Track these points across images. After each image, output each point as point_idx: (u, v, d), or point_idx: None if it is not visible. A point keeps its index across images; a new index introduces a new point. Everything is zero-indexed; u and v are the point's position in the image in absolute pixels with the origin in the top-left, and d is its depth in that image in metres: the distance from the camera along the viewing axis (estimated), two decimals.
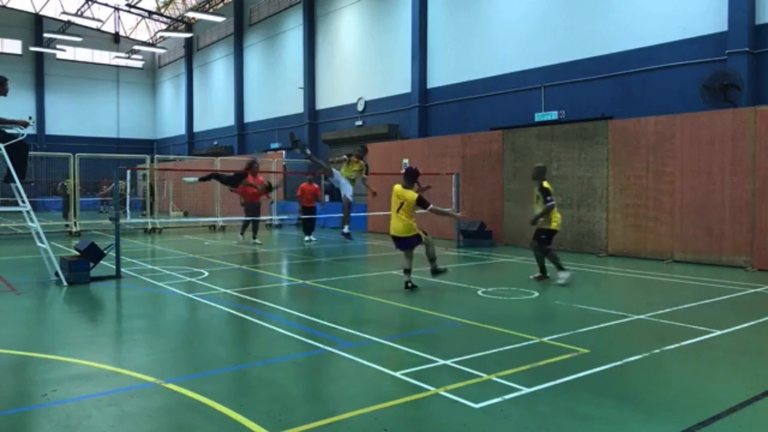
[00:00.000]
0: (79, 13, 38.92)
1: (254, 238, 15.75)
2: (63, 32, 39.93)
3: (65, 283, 9.21)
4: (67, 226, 19.35)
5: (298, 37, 29.14)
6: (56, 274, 9.50)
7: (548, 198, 9.50)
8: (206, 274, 10.58)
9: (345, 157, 11.99)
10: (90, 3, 39.47)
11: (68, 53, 42.71)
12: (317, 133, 27.77)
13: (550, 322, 6.98)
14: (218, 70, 38.13)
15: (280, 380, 4.96)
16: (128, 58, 45.72)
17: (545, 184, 9.69)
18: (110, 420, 4.06)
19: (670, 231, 12.05)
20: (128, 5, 38.81)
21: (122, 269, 10.25)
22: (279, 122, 30.78)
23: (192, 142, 41.83)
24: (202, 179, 15.40)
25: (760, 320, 6.95)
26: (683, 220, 11.87)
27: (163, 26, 42.00)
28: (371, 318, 7.37)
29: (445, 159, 16.87)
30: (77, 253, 9.93)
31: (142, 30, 46.46)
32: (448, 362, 5.25)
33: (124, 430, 3.92)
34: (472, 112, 19.91)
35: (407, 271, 8.90)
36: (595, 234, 13.25)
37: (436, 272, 9.12)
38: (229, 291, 8.89)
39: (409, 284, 8.84)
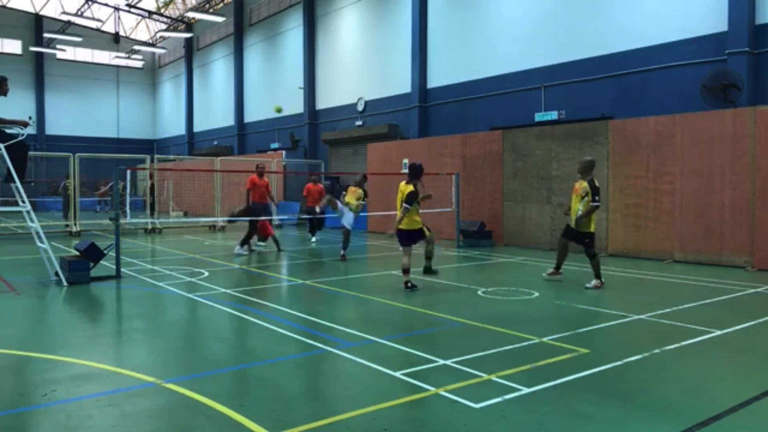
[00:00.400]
0: (79, 13, 38.91)
1: (259, 240, 15.74)
2: (63, 32, 39.93)
3: (65, 283, 9.21)
4: (66, 226, 19.35)
5: (298, 37, 29.14)
6: (56, 274, 9.51)
7: (596, 198, 8.93)
8: (206, 274, 10.58)
9: (343, 193, 13.42)
10: (90, 3, 39.47)
11: (68, 53, 42.71)
12: (317, 133, 27.77)
13: (550, 322, 6.98)
14: (218, 70, 38.12)
15: (280, 380, 4.96)
16: (128, 58, 45.72)
17: (596, 181, 9.15)
18: (110, 420, 4.06)
19: (670, 231, 12.06)
20: (128, 5, 38.80)
21: (122, 269, 10.25)
22: (279, 122, 30.77)
23: (192, 142, 41.82)
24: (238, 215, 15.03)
25: (760, 320, 6.95)
26: (683, 220, 11.87)
27: (163, 26, 42.00)
28: (371, 318, 7.37)
29: (445, 159, 16.87)
30: (77, 253, 9.93)
31: (142, 30, 46.47)
32: (448, 362, 5.25)
33: (124, 430, 3.92)
34: (472, 112, 19.91)
35: (406, 271, 8.91)
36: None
37: (428, 271, 9.18)
38: (229, 291, 8.89)
39: (409, 284, 8.85)
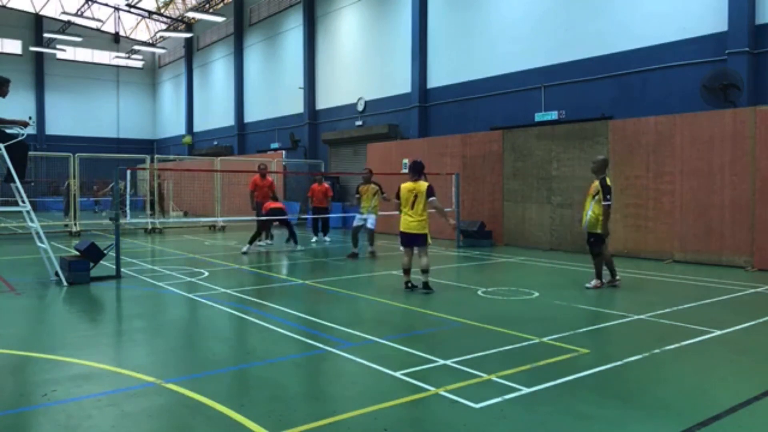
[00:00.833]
0: (79, 13, 38.90)
1: (267, 237, 15.78)
2: (63, 32, 39.92)
3: (65, 283, 9.22)
4: (66, 226, 19.35)
5: (298, 37, 29.14)
6: (56, 274, 9.51)
7: (608, 197, 8.79)
8: (206, 274, 10.58)
9: (357, 195, 13.45)
10: (90, 3, 39.47)
11: (68, 53, 42.70)
12: (317, 133, 27.77)
13: (550, 322, 6.98)
14: (218, 70, 38.12)
15: (280, 380, 4.96)
16: (128, 58, 45.72)
17: (609, 180, 9.01)
18: (110, 420, 4.07)
19: (670, 231, 12.06)
20: (128, 5, 38.80)
21: (122, 269, 10.25)
22: (279, 122, 30.78)
23: (192, 142, 41.81)
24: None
25: (760, 320, 6.95)
26: (683, 220, 11.87)
27: (163, 26, 41.99)
28: (371, 318, 7.37)
29: (445, 159, 16.87)
30: (77, 253, 9.94)
31: (142, 30, 46.47)
32: (448, 362, 5.25)
33: (124, 430, 3.92)
34: (472, 112, 19.90)
35: (407, 272, 8.90)
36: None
37: (427, 287, 8.74)
38: (229, 291, 8.89)
39: (409, 284, 8.85)
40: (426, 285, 8.72)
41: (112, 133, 46.34)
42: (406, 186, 8.85)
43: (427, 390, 4.59)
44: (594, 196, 8.97)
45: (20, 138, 9.30)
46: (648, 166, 12.39)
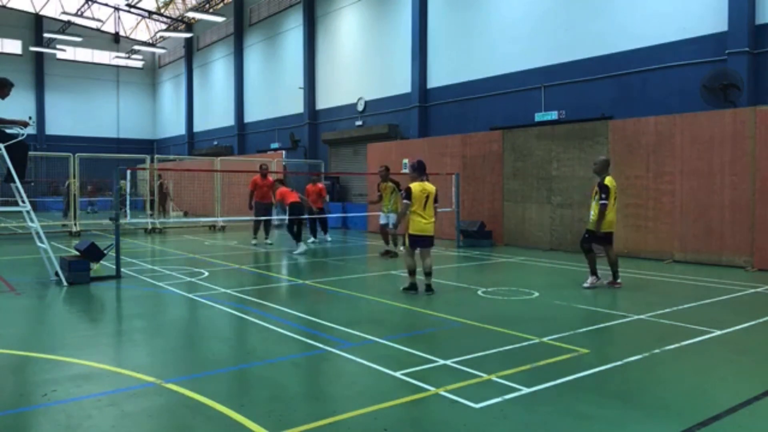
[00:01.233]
0: (79, 13, 38.91)
1: (266, 238, 15.80)
2: (63, 32, 39.92)
3: (65, 283, 9.22)
4: (64, 226, 19.35)
5: (298, 37, 29.14)
6: (56, 274, 9.51)
7: (603, 196, 8.87)
8: (206, 274, 10.58)
9: (378, 193, 13.34)
10: (90, 3, 39.47)
11: (68, 53, 42.70)
12: (317, 133, 27.77)
13: (550, 322, 6.98)
14: (218, 70, 38.12)
15: (280, 380, 4.96)
16: (128, 58, 45.72)
17: (606, 180, 9.03)
18: (110, 420, 4.07)
19: (670, 231, 12.06)
20: (128, 5, 38.80)
21: (122, 269, 10.25)
22: (279, 122, 30.78)
23: (192, 142, 41.82)
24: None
25: (760, 320, 6.95)
26: (683, 220, 11.87)
27: (163, 26, 41.99)
28: (371, 318, 7.36)
29: (445, 159, 16.87)
30: (77, 253, 9.94)
31: (142, 30, 46.47)
32: (448, 362, 5.25)
33: (124, 430, 3.92)
34: (472, 112, 19.90)
35: (414, 273, 8.75)
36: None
37: (430, 288, 8.61)
38: (229, 291, 8.89)
39: (415, 287, 8.67)
40: (430, 287, 8.63)
41: (112, 133, 46.34)
42: (417, 186, 8.59)
43: (427, 390, 4.59)
44: (595, 196, 9.06)
45: (20, 138, 9.30)
46: (648, 166, 12.39)
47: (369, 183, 19.92)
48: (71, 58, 44.22)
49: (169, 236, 18.48)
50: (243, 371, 5.27)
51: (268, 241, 15.69)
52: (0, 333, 6.48)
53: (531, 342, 5.96)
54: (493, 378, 4.84)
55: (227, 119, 36.27)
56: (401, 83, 22.68)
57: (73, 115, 44.06)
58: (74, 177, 18.81)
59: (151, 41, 44.81)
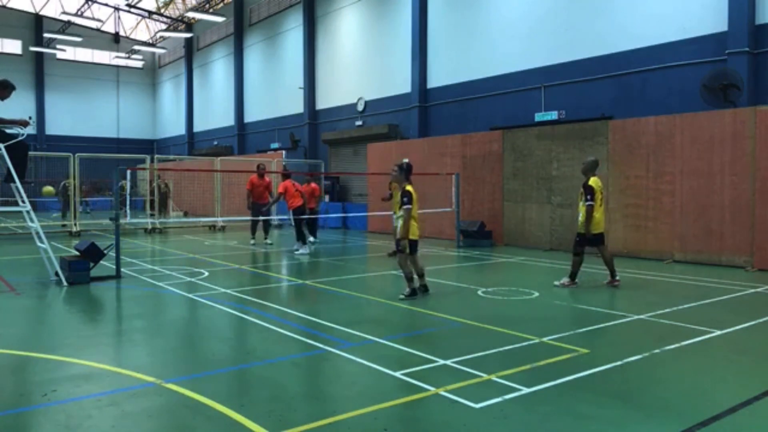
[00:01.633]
0: (79, 13, 38.90)
1: (266, 238, 15.77)
2: (63, 32, 39.92)
3: (65, 283, 9.22)
4: (64, 226, 19.34)
5: (298, 37, 29.14)
6: (56, 274, 9.51)
7: (588, 197, 8.88)
8: (206, 274, 10.58)
9: (389, 192, 12.81)
10: (90, 3, 39.46)
11: (68, 53, 42.70)
12: (317, 133, 27.77)
13: (550, 322, 6.98)
14: (218, 70, 38.12)
15: (280, 380, 4.96)
16: (128, 58, 45.71)
17: (591, 181, 9.01)
18: (110, 420, 4.07)
19: (670, 231, 12.06)
20: (128, 5, 38.80)
21: (122, 269, 10.25)
22: (279, 122, 30.78)
23: (192, 142, 41.82)
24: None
25: (760, 320, 6.95)
26: (683, 220, 11.87)
27: (163, 26, 41.99)
28: (371, 318, 7.37)
29: (445, 159, 16.87)
30: (77, 253, 9.93)
31: (142, 30, 46.47)
32: (448, 362, 5.25)
33: (124, 430, 3.92)
34: (472, 112, 19.90)
35: (413, 279, 8.43)
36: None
37: (427, 288, 8.54)
38: (229, 291, 8.89)
39: (416, 291, 8.40)
40: (426, 287, 8.60)
41: (112, 133, 46.34)
42: (412, 189, 8.38)
43: (427, 390, 4.59)
44: (581, 198, 9.10)
45: (20, 138, 9.30)
46: (648, 166, 12.39)
47: (369, 183, 19.92)
48: (71, 58, 44.21)
49: (169, 236, 18.48)
50: (243, 371, 5.27)
51: (268, 241, 15.69)
52: (0, 333, 6.49)
53: (531, 342, 5.96)
54: (493, 378, 4.84)
55: (227, 119, 36.27)
56: (401, 83, 22.68)
57: (73, 115, 44.05)
58: (74, 177, 18.79)
59: (151, 41, 44.81)
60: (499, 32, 19.12)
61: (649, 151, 12.38)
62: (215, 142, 37.41)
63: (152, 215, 21.02)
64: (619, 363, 5.27)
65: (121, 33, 45.84)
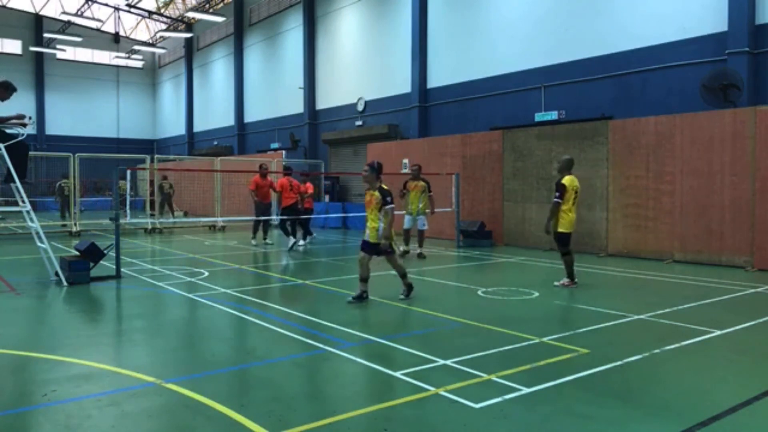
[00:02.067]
0: (79, 13, 38.91)
1: (265, 238, 15.75)
2: (63, 32, 39.93)
3: (65, 283, 9.21)
4: (64, 226, 19.33)
5: (298, 37, 29.14)
6: (56, 274, 9.50)
7: (557, 195, 8.91)
8: (206, 274, 10.58)
9: (404, 191, 12.81)
10: (90, 3, 39.47)
11: (68, 53, 42.71)
12: (317, 133, 27.78)
13: (550, 322, 6.98)
14: (218, 70, 38.13)
15: (280, 380, 4.96)
16: (128, 58, 45.73)
17: (565, 179, 8.99)
18: (110, 420, 4.07)
19: (670, 231, 12.05)
20: (128, 5, 38.81)
21: (122, 269, 10.25)
22: (279, 122, 30.79)
23: (192, 142, 41.83)
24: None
25: (760, 320, 6.95)
26: (683, 220, 11.87)
27: (163, 26, 42.00)
28: (371, 318, 7.37)
29: (445, 159, 16.87)
30: (77, 253, 9.93)
31: (142, 30, 46.48)
32: (448, 362, 5.25)
33: (124, 430, 3.92)
34: (472, 112, 19.91)
35: (406, 276, 8.31)
36: (595, 234, 13.25)
37: (411, 287, 8.26)
38: (229, 291, 8.89)
39: (362, 295, 8.00)
40: (411, 286, 8.29)
41: (112, 133, 46.36)
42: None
43: (427, 390, 4.59)
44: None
45: (20, 138, 9.30)
46: (648, 166, 12.39)
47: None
48: (71, 58, 44.23)
49: (169, 236, 18.48)
50: (243, 371, 5.27)
51: (268, 242, 15.68)
52: (0, 333, 6.49)
53: (531, 342, 5.95)
54: (493, 378, 4.84)
55: (227, 119, 36.28)
56: (401, 83, 22.68)
57: (73, 115, 44.07)
58: (74, 177, 18.77)
59: (151, 41, 44.81)
60: (499, 32, 19.12)
61: (649, 151, 12.38)
62: (215, 142, 37.41)
63: (152, 215, 21.02)
64: (619, 363, 5.27)
65: (121, 33, 45.85)
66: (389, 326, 6.91)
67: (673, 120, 12.10)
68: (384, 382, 4.84)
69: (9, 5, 41.83)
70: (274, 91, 31.68)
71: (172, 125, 45.31)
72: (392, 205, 7.98)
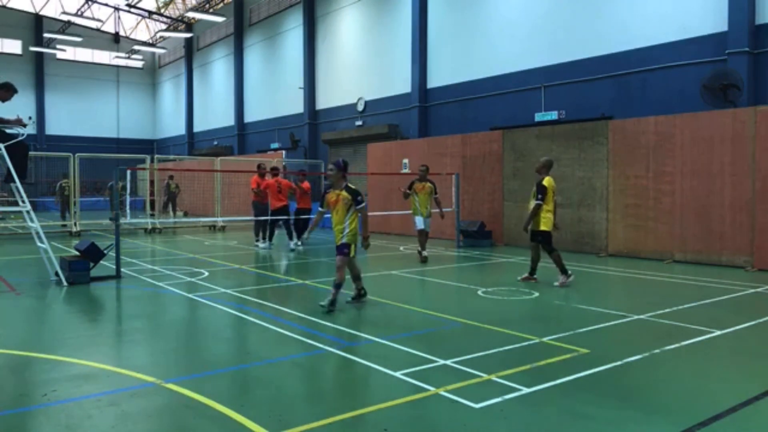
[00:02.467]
0: (79, 13, 38.92)
1: (271, 239, 15.57)
2: (63, 32, 39.94)
3: (65, 283, 9.21)
4: (64, 226, 19.34)
5: (298, 37, 29.15)
6: (56, 274, 9.50)
7: (539, 196, 9.14)
8: (206, 274, 10.58)
9: (408, 191, 12.56)
10: (90, 3, 39.47)
11: (68, 53, 42.72)
12: (317, 133, 27.78)
13: (550, 322, 6.98)
14: (218, 70, 38.13)
15: (280, 380, 4.96)
16: (128, 58, 45.73)
17: (545, 180, 9.26)
18: (110, 420, 4.06)
19: (670, 231, 12.05)
20: (128, 5, 38.81)
21: (122, 269, 10.25)
22: (279, 122, 30.79)
23: (192, 142, 41.83)
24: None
25: (760, 320, 6.95)
26: (683, 220, 11.87)
27: (163, 26, 42.01)
28: (371, 318, 7.36)
29: (445, 159, 16.87)
30: (77, 253, 9.93)
31: (142, 30, 46.49)
32: (448, 362, 5.25)
33: (124, 430, 3.92)
34: (472, 112, 19.91)
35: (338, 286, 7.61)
36: (595, 234, 13.25)
37: (363, 293, 8.00)
38: (229, 291, 8.89)
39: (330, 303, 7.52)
40: (363, 291, 8.01)
41: (112, 133, 46.36)
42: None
43: (427, 390, 4.59)
44: (534, 196, 9.31)
45: (20, 138, 9.30)
46: (648, 166, 12.39)
47: (369, 183, 19.92)
48: (71, 58, 44.24)
49: (169, 236, 18.48)
50: (243, 371, 5.27)
51: (271, 242, 15.64)
52: (0, 333, 6.49)
53: (531, 342, 5.95)
54: (493, 378, 4.84)
55: (227, 119, 36.28)
56: (401, 83, 22.69)
57: (73, 115, 44.08)
58: (74, 177, 18.77)
59: (151, 41, 44.82)
60: (499, 32, 19.12)
61: (649, 151, 12.38)
62: (215, 142, 37.42)
63: (152, 215, 21.01)
64: (619, 363, 5.27)
65: (121, 33, 45.86)
66: (389, 326, 6.90)
67: (673, 120, 12.10)
68: (384, 382, 4.84)
69: (9, 5, 41.84)
70: (274, 91, 31.69)
71: (172, 125, 45.32)
72: (364, 204, 7.69)
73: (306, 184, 15.31)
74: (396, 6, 23.26)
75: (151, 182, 22.75)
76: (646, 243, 12.41)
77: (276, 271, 11.79)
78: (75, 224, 18.69)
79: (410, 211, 12.86)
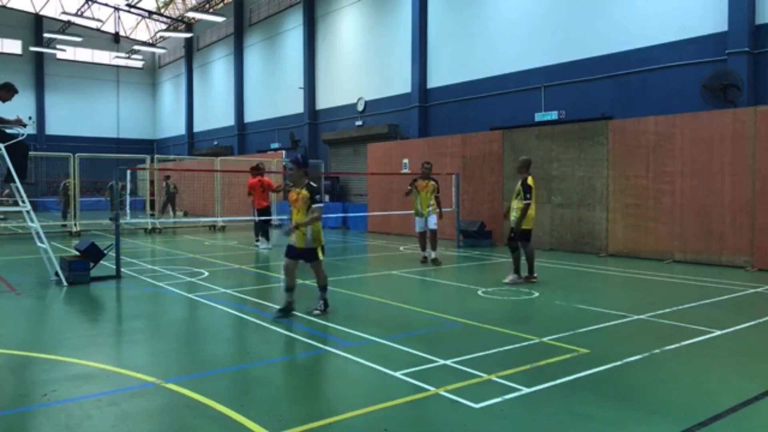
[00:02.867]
0: (79, 13, 38.91)
1: (267, 239, 15.62)
2: (63, 32, 39.93)
3: (65, 283, 9.21)
4: (64, 226, 19.34)
5: (298, 37, 29.14)
6: (56, 274, 9.50)
7: (527, 196, 9.30)
8: (206, 274, 10.58)
9: (409, 188, 12.32)
10: (90, 3, 39.47)
11: (68, 53, 42.71)
12: (317, 133, 27.78)
13: (550, 322, 6.98)
14: (218, 70, 38.13)
15: (280, 380, 4.96)
16: (128, 58, 45.73)
17: (529, 180, 9.45)
18: (110, 420, 4.06)
19: (670, 231, 12.05)
20: (128, 5, 38.80)
21: (122, 269, 10.25)
22: (279, 122, 30.79)
23: (192, 142, 41.83)
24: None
25: (760, 320, 6.95)
26: (683, 220, 11.87)
27: (163, 26, 42.00)
28: (371, 318, 7.36)
29: (445, 159, 16.86)
30: (77, 253, 9.93)
31: (142, 30, 46.48)
32: (448, 362, 5.25)
33: (124, 430, 3.92)
34: (472, 112, 19.91)
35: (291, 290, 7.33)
36: (595, 234, 13.25)
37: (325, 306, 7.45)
38: (229, 291, 8.89)
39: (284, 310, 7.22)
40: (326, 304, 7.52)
41: (112, 133, 46.35)
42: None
43: (427, 390, 4.59)
44: (518, 195, 9.46)
45: (20, 138, 9.30)
46: (648, 166, 12.39)
47: (369, 183, 19.93)
48: (71, 58, 44.22)
49: (169, 236, 18.48)
50: (243, 371, 5.27)
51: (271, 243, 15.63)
52: (0, 333, 6.49)
53: (531, 342, 5.95)
54: (493, 378, 4.84)
55: (227, 119, 36.28)
56: (401, 83, 22.68)
57: (73, 115, 44.06)
58: (74, 177, 18.77)
59: (151, 41, 44.81)
60: (499, 32, 19.12)
61: (649, 151, 12.38)
62: (215, 142, 37.41)
63: (152, 215, 21.01)
64: (619, 363, 5.27)
65: (121, 33, 45.85)
66: (389, 326, 6.90)
67: (673, 120, 12.10)
68: (384, 382, 4.84)
69: (9, 5, 41.83)
70: (274, 91, 31.68)
71: (172, 125, 45.31)
72: (321, 204, 7.29)
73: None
74: (396, 6, 23.25)
75: (151, 182, 22.77)
76: (646, 243, 12.41)
77: (276, 271, 11.78)
78: (75, 224, 18.69)
79: (411, 211, 12.73)
